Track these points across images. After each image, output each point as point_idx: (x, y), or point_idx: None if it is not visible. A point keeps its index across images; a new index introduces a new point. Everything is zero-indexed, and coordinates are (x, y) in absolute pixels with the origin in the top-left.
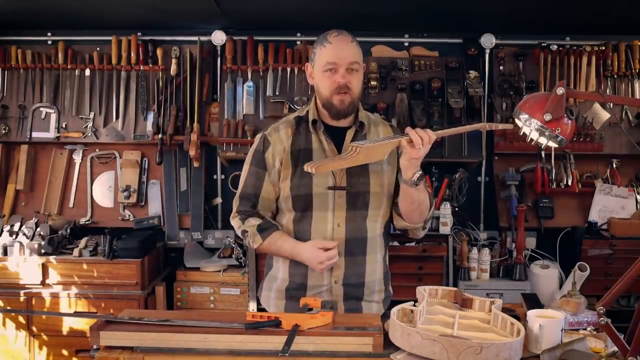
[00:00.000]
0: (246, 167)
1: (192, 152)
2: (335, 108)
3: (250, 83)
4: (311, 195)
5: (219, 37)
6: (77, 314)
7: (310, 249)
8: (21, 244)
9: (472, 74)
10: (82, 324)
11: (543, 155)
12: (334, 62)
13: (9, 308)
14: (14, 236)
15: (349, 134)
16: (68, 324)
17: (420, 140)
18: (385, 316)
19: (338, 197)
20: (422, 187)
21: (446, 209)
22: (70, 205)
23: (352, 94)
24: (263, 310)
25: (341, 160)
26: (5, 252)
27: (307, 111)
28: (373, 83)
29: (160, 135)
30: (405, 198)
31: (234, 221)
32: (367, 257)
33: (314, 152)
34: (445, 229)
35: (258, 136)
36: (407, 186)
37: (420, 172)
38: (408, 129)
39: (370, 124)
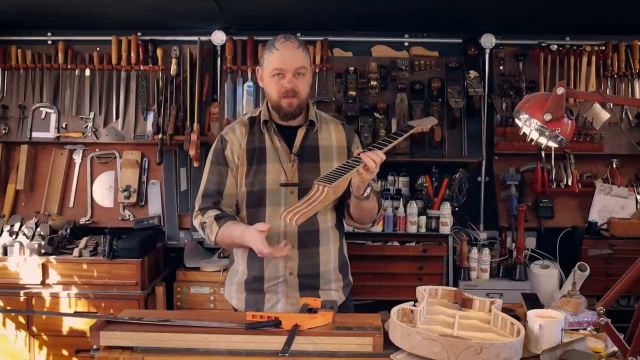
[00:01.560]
0: (207, 166)
1: (192, 152)
2: (284, 110)
3: (250, 83)
4: (264, 191)
5: (219, 37)
6: (77, 314)
7: (251, 231)
8: (21, 244)
9: (472, 74)
10: (82, 324)
11: (543, 155)
12: (280, 68)
13: (9, 308)
14: (14, 236)
15: (300, 133)
16: (68, 324)
17: (374, 164)
18: (346, 305)
19: (290, 193)
20: (372, 196)
21: (446, 209)
22: (70, 205)
23: (299, 97)
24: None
25: (315, 204)
26: (5, 252)
27: (260, 112)
28: (373, 83)
29: (160, 135)
30: (356, 207)
31: (196, 219)
32: (321, 249)
33: (267, 151)
34: (445, 229)
35: (217, 138)
36: (359, 200)
37: (371, 187)
38: (361, 155)
39: (321, 122)
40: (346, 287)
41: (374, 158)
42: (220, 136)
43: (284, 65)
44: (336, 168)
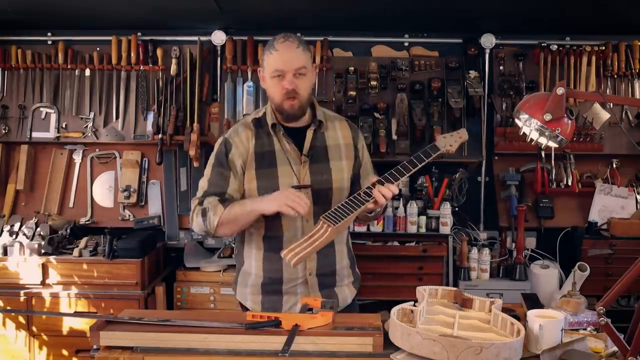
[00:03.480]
0: (208, 170)
1: (192, 152)
2: (286, 112)
3: (250, 83)
4: None
5: (219, 37)
6: (77, 314)
7: (281, 190)
8: (21, 244)
9: (472, 74)
10: (82, 324)
11: (543, 155)
12: (280, 69)
13: (9, 308)
14: (14, 236)
15: (309, 133)
16: (68, 324)
17: (384, 200)
18: (353, 301)
19: (304, 195)
20: (377, 213)
21: (446, 209)
22: (70, 205)
23: (300, 98)
24: (243, 306)
25: (315, 243)
26: (5, 252)
27: (264, 113)
28: (373, 83)
29: (160, 135)
30: (362, 217)
31: (194, 213)
32: (336, 248)
33: (276, 154)
34: (445, 229)
35: (219, 141)
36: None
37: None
38: (374, 190)
39: (327, 120)
40: (355, 280)
41: (386, 194)
42: (223, 139)
43: (283, 66)
44: (346, 201)
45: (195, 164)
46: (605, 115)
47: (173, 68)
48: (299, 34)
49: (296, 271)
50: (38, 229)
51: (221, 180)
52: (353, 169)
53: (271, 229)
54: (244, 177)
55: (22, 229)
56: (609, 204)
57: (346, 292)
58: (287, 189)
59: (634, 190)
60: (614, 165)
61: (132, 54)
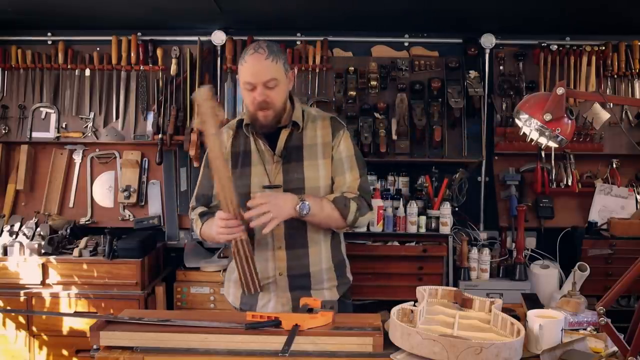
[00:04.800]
0: (201, 169)
1: (192, 152)
2: (260, 123)
3: None
4: (249, 193)
5: (219, 37)
6: (77, 314)
7: (215, 220)
8: (21, 244)
9: (472, 74)
10: (82, 324)
11: (543, 155)
12: (249, 82)
13: (9, 308)
14: (14, 236)
15: (283, 134)
16: (68, 324)
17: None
18: (342, 303)
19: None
20: (312, 216)
21: (446, 209)
22: (70, 205)
23: (274, 108)
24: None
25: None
26: (5, 252)
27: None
28: (373, 83)
29: (160, 135)
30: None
31: (190, 217)
32: (310, 249)
33: (252, 154)
34: (445, 229)
35: None
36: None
37: (303, 211)
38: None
39: (307, 120)
40: (342, 285)
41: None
42: None
43: (252, 79)
44: None
45: (195, 164)
46: (605, 115)
47: (173, 68)
48: (298, 34)
49: (267, 270)
50: (38, 229)
51: (208, 181)
52: (330, 169)
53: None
54: None
55: (22, 229)
56: (609, 204)
57: (325, 296)
58: (217, 220)
59: (634, 190)
60: (614, 165)
61: (132, 54)
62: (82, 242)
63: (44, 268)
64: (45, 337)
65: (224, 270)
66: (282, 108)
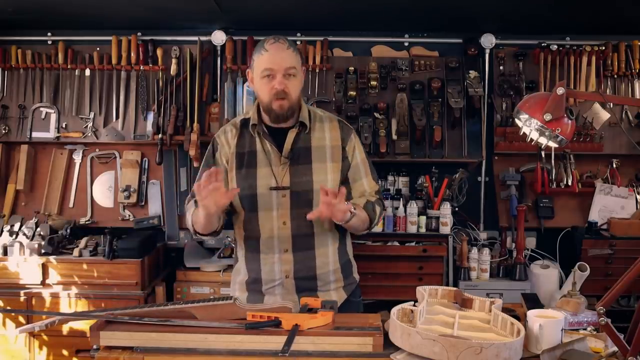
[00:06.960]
0: (200, 169)
1: (192, 152)
2: (275, 112)
3: None
4: (256, 195)
5: (219, 37)
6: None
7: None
8: (21, 244)
9: (472, 74)
10: (82, 324)
11: (543, 155)
12: (270, 69)
13: (9, 308)
14: (14, 236)
15: (291, 135)
16: (68, 324)
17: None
18: (350, 302)
19: (282, 197)
20: (353, 219)
21: (446, 209)
22: (70, 205)
23: (290, 99)
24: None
25: None
26: (5, 252)
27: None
28: (373, 83)
29: (160, 135)
30: (345, 227)
31: (186, 208)
32: (317, 252)
33: (257, 155)
34: (445, 229)
35: (211, 140)
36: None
37: (348, 215)
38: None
39: (315, 121)
40: (349, 285)
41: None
42: (213, 139)
43: (273, 66)
44: None
45: (195, 164)
46: (605, 115)
47: (173, 68)
48: (298, 34)
49: (273, 273)
50: (38, 229)
51: None
52: (342, 172)
53: (248, 229)
54: (228, 176)
55: (22, 229)
56: (609, 204)
57: (332, 297)
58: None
59: (634, 190)
60: (614, 165)
61: (132, 54)
62: (82, 242)
63: (44, 268)
64: (45, 337)
65: (224, 270)
66: (297, 102)
